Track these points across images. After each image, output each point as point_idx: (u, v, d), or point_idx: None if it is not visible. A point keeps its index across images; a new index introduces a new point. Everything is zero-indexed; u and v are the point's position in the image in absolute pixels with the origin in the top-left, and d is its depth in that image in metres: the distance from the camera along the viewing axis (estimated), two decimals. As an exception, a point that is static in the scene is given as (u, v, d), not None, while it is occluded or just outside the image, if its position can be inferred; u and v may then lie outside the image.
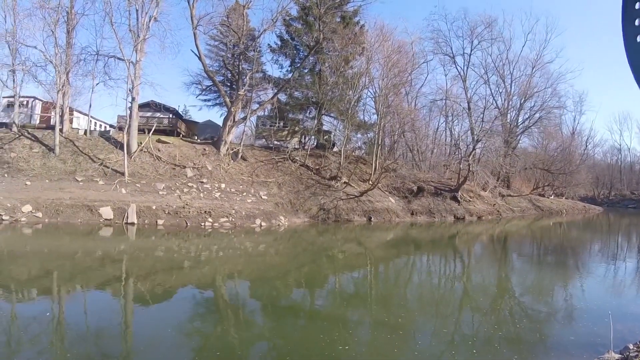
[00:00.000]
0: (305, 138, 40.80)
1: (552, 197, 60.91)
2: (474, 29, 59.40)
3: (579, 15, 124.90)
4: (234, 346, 8.28)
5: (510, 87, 61.21)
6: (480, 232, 33.48)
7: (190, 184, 26.57)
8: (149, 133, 29.50)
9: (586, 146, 78.67)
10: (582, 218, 54.34)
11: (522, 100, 59.82)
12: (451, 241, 27.95)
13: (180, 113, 44.04)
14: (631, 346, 8.00)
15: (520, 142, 61.61)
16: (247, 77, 33.77)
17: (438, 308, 12.49)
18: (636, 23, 1.27)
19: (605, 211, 65.59)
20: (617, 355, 7.52)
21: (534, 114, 59.68)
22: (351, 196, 32.14)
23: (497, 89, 61.33)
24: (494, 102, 59.95)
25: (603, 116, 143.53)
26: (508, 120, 58.75)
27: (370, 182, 35.17)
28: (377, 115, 40.77)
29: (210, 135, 37.21)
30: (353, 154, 41.00)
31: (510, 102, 61.03)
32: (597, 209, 65.04)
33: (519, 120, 60.70)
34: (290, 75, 38.79)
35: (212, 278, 14.29)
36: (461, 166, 42.03)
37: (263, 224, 25.20)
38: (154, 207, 22.91)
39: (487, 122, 49.62)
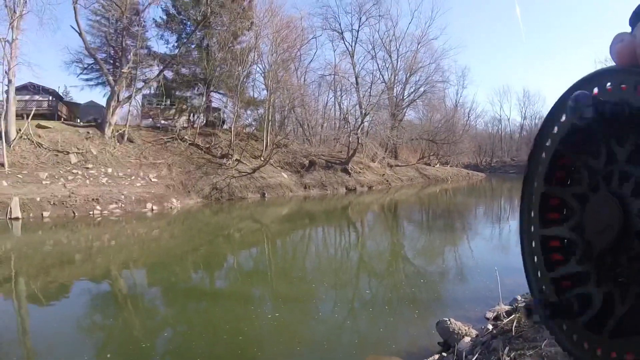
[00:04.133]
0: (193, 116, 39.91)
1: (438, 165, 64.42)
2: (362, 5, 60.27)
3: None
4: (137, 336, 8.30)
5: (397, 63, 63.52)
6: (371, 201, 35.32)
7: (75, 171, 25.22)
8: (27, 118, 27.32)
9: (469, 117, 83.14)
10: (467, 184, 58.41)
11: (408, 75, 62.40)
12: (344, 212, 29.27)
13: (61, 95, 41.23)
14: (519, 297, 9.10)
15: (406, 114, 64.41)
16: (131, 54, 32.58)
17: (337, 277, 13.28)
18: None
19: (487, 177, 69.96)
20: (507, 307, 8.41)
21: (419, 87, 62.48)
22: (244, 173, 32.37)
23: (384, 64, 63.15)
24: (381, 77, 61.66)
25: (484, 89, 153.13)
26: (394, 94, 60.90)
27: (262, 159, 35.49)
28: (267, 91, 41.02)
29: (94, 117, 35.31)
30: (244, 131, 40.74)
31: (397, 77, 63.48)
32: (480, 175, 69.38)
33: (405, 94, 63.28)
34: (176, 51, 37.63)
35: (107, 269, 14.02)
36: (350, 139, 43.74)
37: (155, 207, 24.79)
38: (38, 199, 21.57)
39: (375, 96, 51.08)
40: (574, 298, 0.85)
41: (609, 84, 0.76)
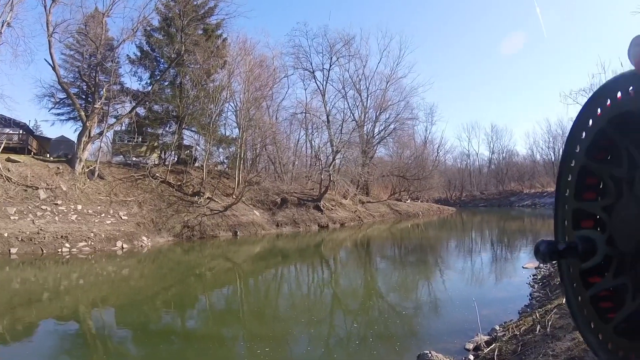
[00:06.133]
0: (165, 154, 39.83)
1: (409, 201, 65.23)
2: (333, 45, 61.71)
3: (430, 33, 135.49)
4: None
5: (367, 101, 64.81)
6: (344, 238, 35.32)
7: (44, 207, 24.63)
8: (-3, 151, 26.99)
9: (438, 153, 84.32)
10: (438, 218, 58.85)
11: (378, 113, 63.55)
12: (317, 249, 29.13)
13: (32, 128, 40.71)
14: (497, 327, 9.23)
15: (376, 151, 65.37)
16: (104, 90, 32.36)
17: (311, 315, 13.10)
18: None
19: (458, 211, 70.90)
20: (486, 337, 8.60)
21: (389, 125, 63.69)
22: (215, 211, 32.09)
23: (354, 102, 64.49)
24: (351, 115, 62.84)
25: (453, 125, 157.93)
26: (365, 132, 61.92)
27: (234, 196, 35.33)
28: (239, 129, 40.93)
29: (64, 152, 34.76)
30: (215, 168, 40.77)
31: (367, 115, 64.55)
32: (450, 210, 70.18)
33: (375, 132, 64.37)
34: (149, 87, 37.60)
35: (75, 308, 13.67)
36: (322, 176, 43.82)
37: (125, 246, 24.28)
38: (5, 235, 21.01)
39: (346, 134, 51.92)
40: (580, 240, 0.94)
41: (631, 88, 0.84)
